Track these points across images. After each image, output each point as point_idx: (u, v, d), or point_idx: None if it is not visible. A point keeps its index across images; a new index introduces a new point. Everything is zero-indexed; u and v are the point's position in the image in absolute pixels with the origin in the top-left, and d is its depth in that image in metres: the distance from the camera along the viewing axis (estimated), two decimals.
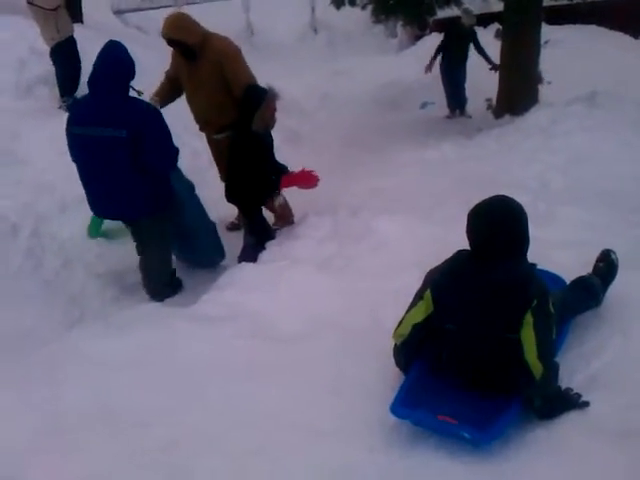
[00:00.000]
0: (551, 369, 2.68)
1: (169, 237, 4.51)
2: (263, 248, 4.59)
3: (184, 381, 3.02)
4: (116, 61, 4.03)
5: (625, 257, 3.52)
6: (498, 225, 2.73)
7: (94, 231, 5.05)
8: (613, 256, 3.53)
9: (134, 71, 4.09)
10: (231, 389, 2.96)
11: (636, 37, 12.65)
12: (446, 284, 2.81)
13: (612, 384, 2.83)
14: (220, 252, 4.94)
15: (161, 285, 4.51)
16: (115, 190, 4.14)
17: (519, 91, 8.52)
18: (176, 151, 4.26)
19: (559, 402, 2.70)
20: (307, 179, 4.84)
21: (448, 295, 2.80)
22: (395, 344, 2.98)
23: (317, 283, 3.83)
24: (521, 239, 2.79)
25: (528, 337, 2.62)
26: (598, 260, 3.54)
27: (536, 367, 2.61)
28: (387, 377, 3.01)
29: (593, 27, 13.09)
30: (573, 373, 2.95)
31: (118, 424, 2.75)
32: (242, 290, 3.83)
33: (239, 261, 4.58)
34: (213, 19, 13.01)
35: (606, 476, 2.38)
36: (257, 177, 4.56)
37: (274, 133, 5.06)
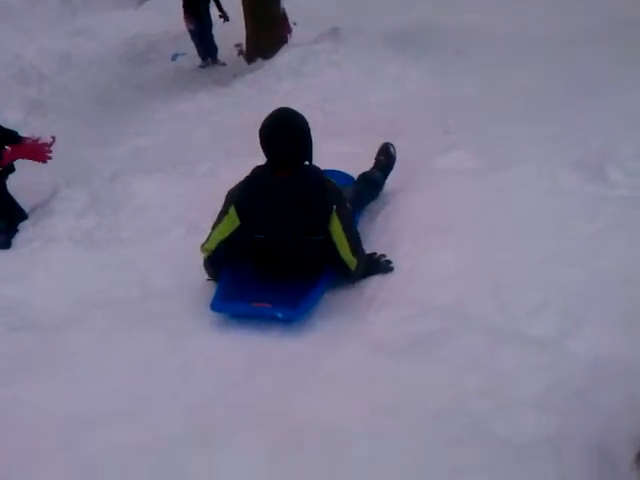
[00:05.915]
0: (362, 257, 3.08)
1: None
2: (16, 230, 4.15)
3: None
4: None
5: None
6: (281, 136, 2.93)
7: None
8: (391, 149, 4.00)
9: None
10: None
11: None
12: (248, 198, 2.99)
13: (386, 303, 2.97)
14: None
15: None
16: None
17: (265, 34, 8.51)
18: None
19: (369, 267, 3.13)
20: (37, 152, 4.16)
21: (252, 208, 2.99)
22: (205, 257, 3.13)
23: (78, 260, 3.55)
24: (304, 148, 3.00)
25: (340, 239, 2.96)
26: (379, 154, 3.98)
27: (352, 262, 3.02)
28: (160, 344, 2.87)
29: None
30: None
31: None
32: None
33: None
34: None
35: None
36: None
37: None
